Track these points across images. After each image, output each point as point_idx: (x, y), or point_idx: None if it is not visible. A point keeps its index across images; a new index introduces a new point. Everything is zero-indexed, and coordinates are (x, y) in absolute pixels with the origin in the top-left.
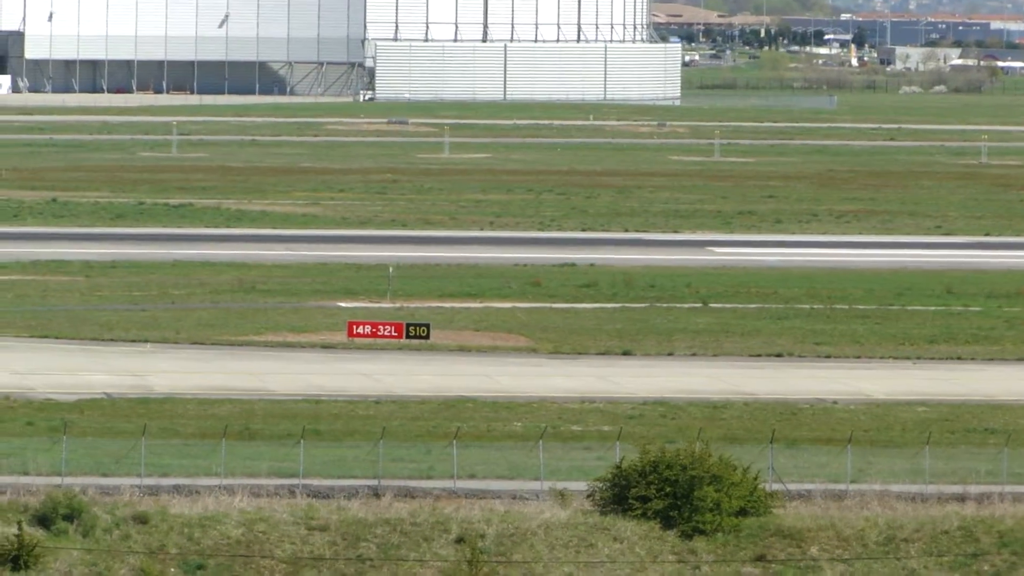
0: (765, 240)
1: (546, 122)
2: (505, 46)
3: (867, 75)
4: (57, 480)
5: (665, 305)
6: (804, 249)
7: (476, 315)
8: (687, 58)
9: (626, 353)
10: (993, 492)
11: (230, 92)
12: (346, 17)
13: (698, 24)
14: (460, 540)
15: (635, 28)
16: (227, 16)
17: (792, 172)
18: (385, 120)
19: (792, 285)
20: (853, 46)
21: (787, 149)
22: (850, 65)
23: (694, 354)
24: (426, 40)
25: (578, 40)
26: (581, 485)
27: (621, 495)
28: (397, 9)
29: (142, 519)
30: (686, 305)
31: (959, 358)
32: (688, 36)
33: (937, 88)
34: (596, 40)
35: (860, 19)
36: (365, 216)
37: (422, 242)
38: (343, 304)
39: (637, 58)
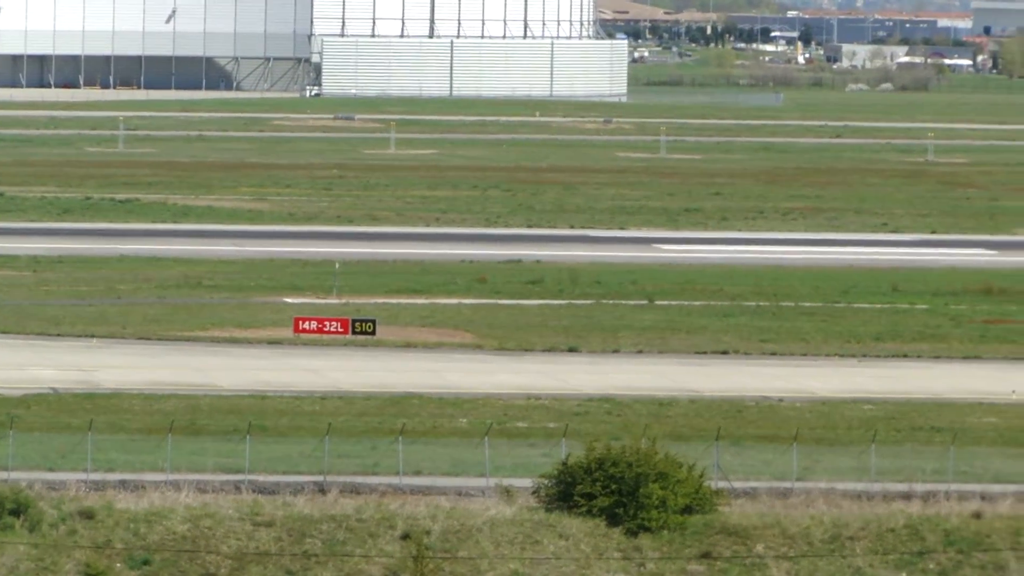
0: (711, 237)
1: (492, 118)
2: (452, 42)
3: (813, 72)
4: (3, 475)
5: (611, 302)
6: (750, 246)
7: (422, 311)
8: (637, 54)
9: (572, 350)
10: (939, 490)
11: (177, 87)
12: (293, 13)
13: (644, 20)
14: (406, 536)
15: (581, 24)
16: (174, 11)
17: (738, 169)
18: (331, 116)
19: (738, 282)
20: (800, 43)
21: (733, 146)
22: (796, 62)
23: (640, 351)
24: (373, 36)
25: (524, 36)
26: (527, 482)
27: (567, 492)
28: (344, 5)
29: (88, 514)
30: (632, 302)
31: (905, 356)
32: (635, 32)
33: (884, 86)
34: (543, 36)
35: (807, 16)
36: (311, 212)
37: (368, 238)
38: (289, 300)
39: (583, 54)
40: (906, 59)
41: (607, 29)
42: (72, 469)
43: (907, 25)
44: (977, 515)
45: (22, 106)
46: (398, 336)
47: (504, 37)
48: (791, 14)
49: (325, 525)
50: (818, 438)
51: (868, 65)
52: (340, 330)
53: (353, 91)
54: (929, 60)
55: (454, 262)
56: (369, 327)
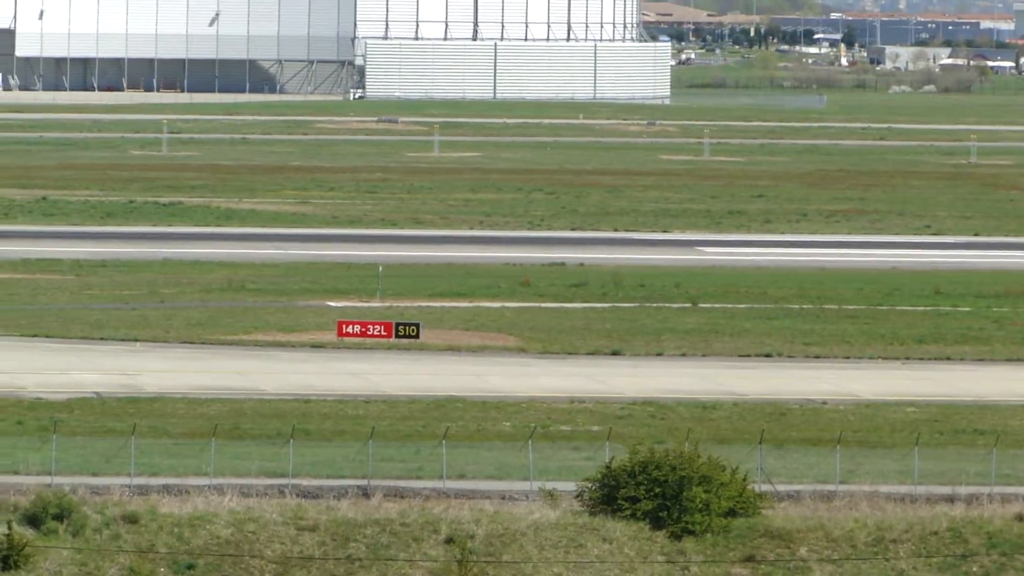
0: (754, 240)
1: (536, 121)
2: (495, 45)
3: (857, 74)
4: (47, 479)
5: (654, 305)
6: (793, 249)
7: (466, 314)
8: (684, 56)
9: (615, 353)
10: (982, 493)
11: (220, 90)
12: (336, 15)
13: (688, 23)
14: (450, 540)
15: (625, 27)
16: (218, 14)
17: (781, 172)
18: (375, 119)
19: (781, 285)
20: (843, 45)
21: (777, 149)
22: (840, 64)
23: (683, 354)
24: (416, 38)
25: (568, 39)
26: (570, 485)
27: (610, 495)
28: (387, 7)
29: (132, 519)
30: (675, 305)
31: (948, 358)
32: (678, 35)
33: (927, 88)
34: (586, 39)
35: (850, 18)
36: (355, 215)
37: (412, 241)
38: (332, 303)
39: (627, 57)
40: (949, 61)
41: (650, 31)
42: (116, 473)
43: (950, 27)
44: (1020, 517)
45: (66, 109)
46: (442, 339)
47: (548, 40)
48: (834, 16)
49: (369, 529)
50: (861, 441)
51: (911, 67)
52: (384, 334)
53: (396, 94)
54: (972, 62)
55: (498, 265)
56: (413, 331)
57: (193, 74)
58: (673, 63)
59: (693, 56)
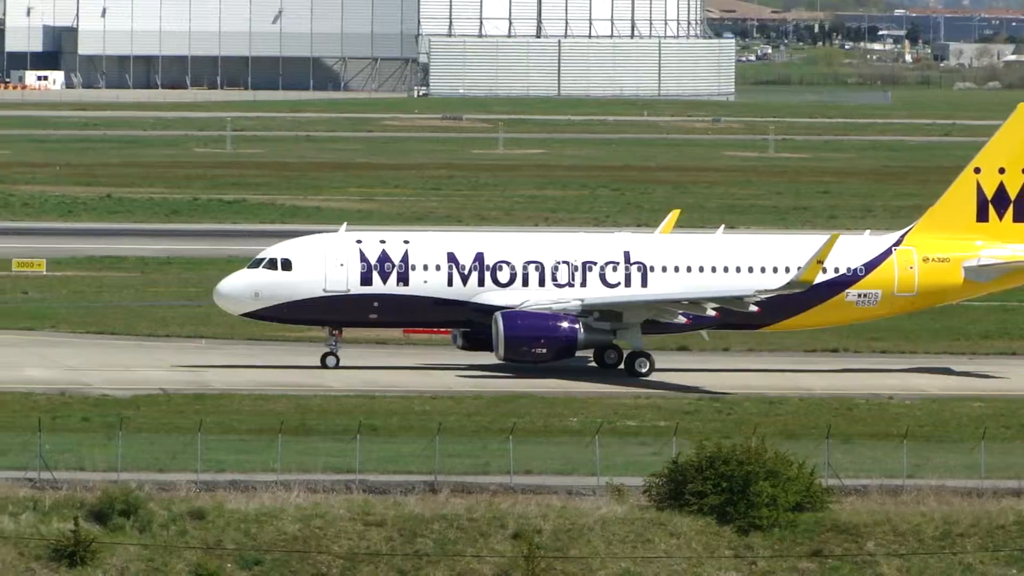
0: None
1: (600, 118)
2: (559, 42)
3: (921, 71)
4: (113, 476)
5: None
6: None
7: None
8: (759, 51)
9: (682, 348)
10: None
11: (284, 88)
12: (400, 12)
13: (751, 19)
14: (517, 536)
15: (689, 23)
16: (281, 12)
17: (846, 168)
18: (439, 115)
19: None
20: (907, 42)
21: (841, 145)
22: (904, 61)
23: (750, 349)
24: (480, 36)
25: (632, 36)
26: (637, 480)
27: (677, 491)
28: (451, 4)
29: (199, 515)
30: None
31: (1014, 353)
32: (742, 31)
33: (991, 84)
34: (650, 36)
35: (914, 15)
36: (420, 212)
37: None
38: None
39: (691, 53)
40: (1013, 57)
41: (714, 28)
42: (182, 470)
43: (1014, 23)
44: None
45: (129, 107)
46: None
47: (612, 37)
48: (898, 12)
49: (436, 525)
50: (928, 435)
51: (975, 63)
52: (448, 330)
53: (461, 91)
54: None
55: None
56: None
57: (257, 71)
58: (746, 59)
59: (769, 51)
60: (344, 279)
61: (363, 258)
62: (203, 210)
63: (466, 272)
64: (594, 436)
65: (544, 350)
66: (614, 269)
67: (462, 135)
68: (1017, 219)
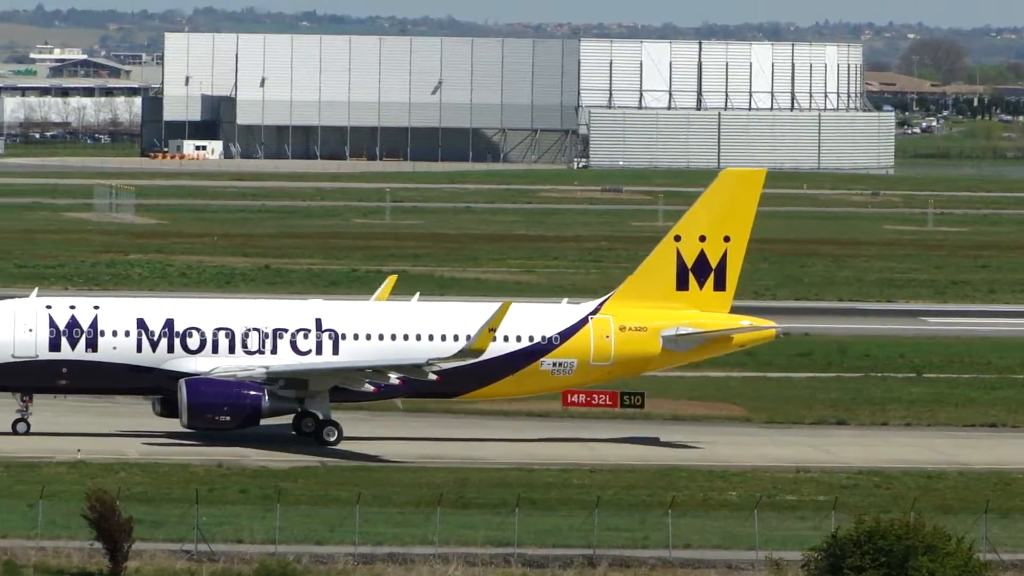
0: (979, 310)
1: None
2: (719, 114)
3: None
4: (271, 548)
5: (879, 375)
6: (1018, 319)
7: (691, 384)
8: (924, 124)
9: (840, 423)
10: None
11: (443, 159)
12: (560, 84)
13: (911, 93)
14: None
15: (849, 96)
16: (440, 83)
17: (1006, 242)
18: (599, 187)
19: (1006, 355)
20: None
21: (1001, 218)
22: None
23: (908, 424)
24: (640, 107)
25: (792, 108)
26: (796, 555)
27: (836, 565)
28: (611, 76)
29: None
30: (900, 375)
31: None
32: (901, 105)
33: None
34: (810, 108)
35: None
36: (580, 284)
37: None
38: None
39: (851, 126)
40: None
41: (874, 101)
42: (340, 542)
43: None
44: None
45: (288, 177)
46: (666, 409)
47: (772, 109)
48: None
49: None
50: None
51: None
52: (609, 403)
53: (620, 163)
54: None
55: None
56: (638, 400)
57: (416, 142)
58: (910, 131)
59: (934, 123)
60: (32, 344)
61: (52, 323)
62: (362, 281)
63: (155, 338)
64: (753, 510)
65: (228, 418)
66: (305, 336)
67: (622, 207)
68: (718, 288)
